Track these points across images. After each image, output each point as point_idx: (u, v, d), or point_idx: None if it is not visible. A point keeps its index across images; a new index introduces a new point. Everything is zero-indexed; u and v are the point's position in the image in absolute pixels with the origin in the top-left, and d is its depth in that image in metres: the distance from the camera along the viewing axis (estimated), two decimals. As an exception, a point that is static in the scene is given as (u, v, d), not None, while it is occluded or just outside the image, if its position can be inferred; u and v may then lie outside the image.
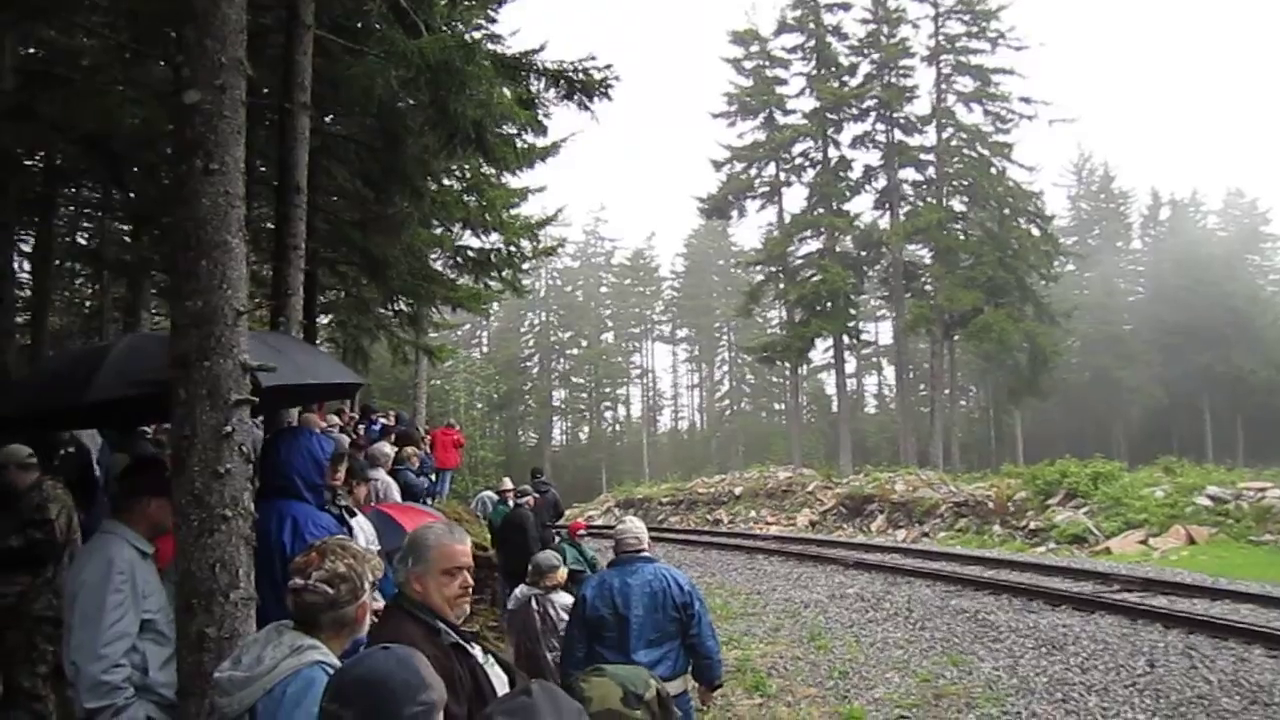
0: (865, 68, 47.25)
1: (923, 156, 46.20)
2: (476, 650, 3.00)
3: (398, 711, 1.83)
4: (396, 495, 9.11)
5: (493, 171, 14.36)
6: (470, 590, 3.06)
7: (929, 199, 45.44)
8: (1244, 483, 21.95)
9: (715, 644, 5.54)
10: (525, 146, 12.47)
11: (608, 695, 2.02)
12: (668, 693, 2.21)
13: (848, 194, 47.28)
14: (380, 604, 3.31)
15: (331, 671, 2.35)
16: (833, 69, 46.88)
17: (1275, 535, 18.54)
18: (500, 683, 2.91)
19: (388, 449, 9.99)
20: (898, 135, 46.73)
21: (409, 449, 12.01)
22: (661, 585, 5.30)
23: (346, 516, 5.43)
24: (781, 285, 48.05)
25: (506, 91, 9.55)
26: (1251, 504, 19.91)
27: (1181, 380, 59.58)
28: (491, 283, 17.44)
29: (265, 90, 9.78)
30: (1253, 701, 8.06)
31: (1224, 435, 58.89)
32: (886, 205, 47.34)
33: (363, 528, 5.76)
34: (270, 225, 10.66)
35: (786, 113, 48.27)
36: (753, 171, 48.22)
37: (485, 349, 77.88)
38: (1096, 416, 61.89)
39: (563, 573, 7.24)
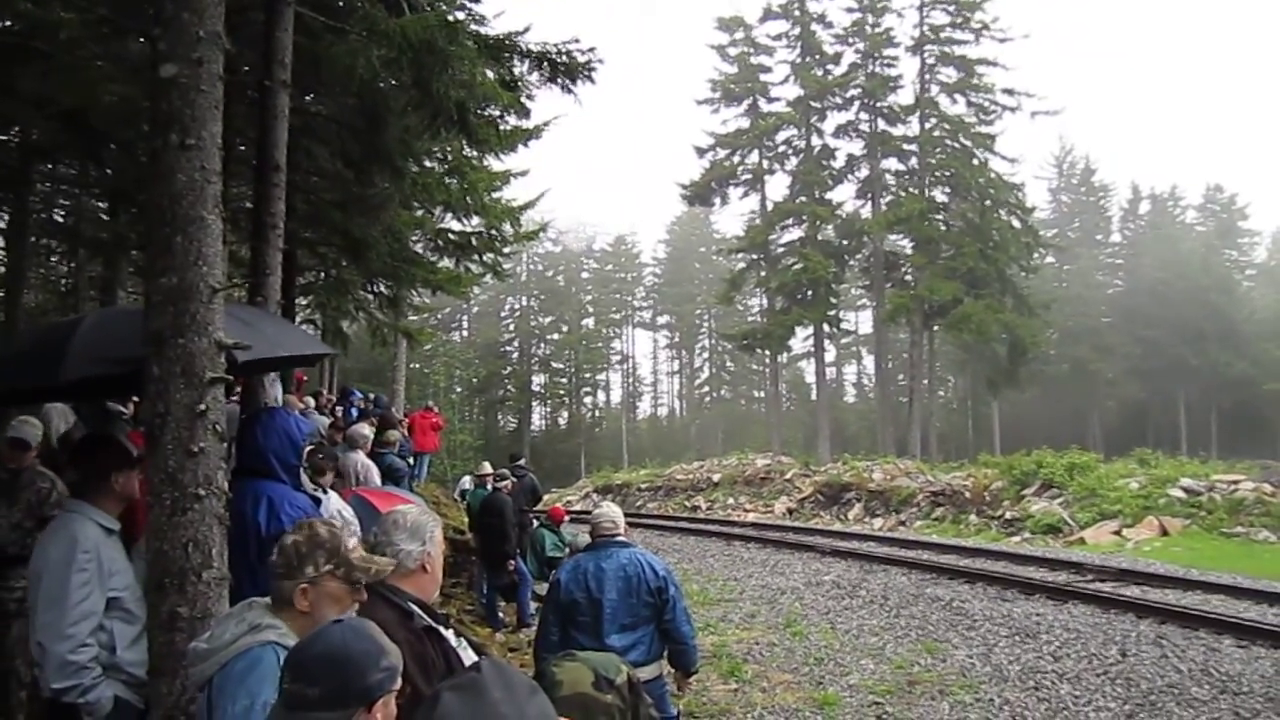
0: (850, 56, 47.37)
1: (905, 147, 46.23)
2: (449, 633, 3.02)
3: (365, 681, 1.88)
4: (376, 478, 9.08)
5: (475, 154, 14.25)
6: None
7: (911, 189, 45.50)
8: (1217, 475, 22.20)
9: (690, 630, 5.51)
10: (508, 129, 12.37)
11: (579, 680, 2.01)
12: (639, 678, 2.20)
13: (830, 183, 47.48)
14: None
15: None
16: (817, 57, 46.98)
17: (1247, 528, 18.74)
18: None
19: (367, 431, 9.96)
20: (881, 125, 46.80)
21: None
22: (635, 570, 5.29)
23: (320, 496, 5.42)
24: (763, 273, 48.21)
25: (490, 73, 9.45)
26: (1224, 497, 20.11)
27: (1158, 373, 60.01)
28: (472, 266, 17.38)
29: (245, 68, 9.63)
30: (1222, 691, 8.16)
31: (1199, 428, 59.48)
32: (868, 195, 47.48)
33: (346, 516, 5.72)
34: (249, 204, 10.54)
35: (770, 100, 48.46)
36: (736, 159, 48.23)
37: (465, 333, 77.61)
38: (1073, 408, 62.35)
39: None
